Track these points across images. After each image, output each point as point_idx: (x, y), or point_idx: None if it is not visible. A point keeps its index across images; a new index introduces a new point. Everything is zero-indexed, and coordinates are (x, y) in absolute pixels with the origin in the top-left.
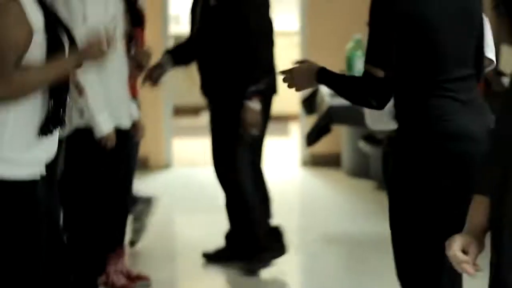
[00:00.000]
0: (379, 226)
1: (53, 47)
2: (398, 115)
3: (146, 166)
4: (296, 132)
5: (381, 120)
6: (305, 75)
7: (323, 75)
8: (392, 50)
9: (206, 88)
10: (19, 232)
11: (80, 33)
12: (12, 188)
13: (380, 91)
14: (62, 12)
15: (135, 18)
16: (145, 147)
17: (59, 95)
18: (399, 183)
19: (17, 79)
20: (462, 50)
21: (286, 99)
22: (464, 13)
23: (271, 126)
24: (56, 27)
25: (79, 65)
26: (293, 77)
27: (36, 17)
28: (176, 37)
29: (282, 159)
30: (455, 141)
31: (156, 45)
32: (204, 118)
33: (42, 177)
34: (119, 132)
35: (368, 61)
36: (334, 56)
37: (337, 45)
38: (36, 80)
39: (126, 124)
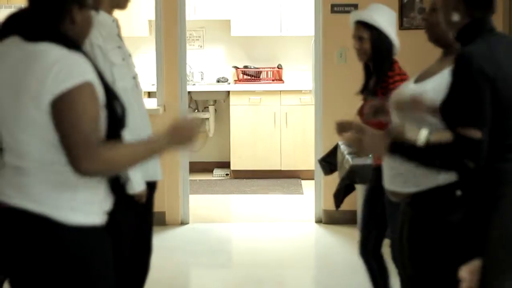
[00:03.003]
0: (395, 284)
1: (113, 123)
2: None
3: (162, 222)
4: (310, 189)
5: (399, 181)
6: (377, 142)
7: (398, 146)
8: (488, 110)
9: None
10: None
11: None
12: (89, 234)
13: (479, 152)
14: None
15: None
16: (162, 203)
17: None
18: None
19: (104, 154)
20: None
21: (299, 156)
22: None
23: (285, 182)
24: (118, 102)
25: (170, 148)
26: (364, 140)
27: (100, 94)
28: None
29: (297, 216)
30: None
31: (173, 101)
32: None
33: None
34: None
35: (462, 123)
36: (348, 116)
37: (351, 106)
38: (124, 157)
39: (157, 176)
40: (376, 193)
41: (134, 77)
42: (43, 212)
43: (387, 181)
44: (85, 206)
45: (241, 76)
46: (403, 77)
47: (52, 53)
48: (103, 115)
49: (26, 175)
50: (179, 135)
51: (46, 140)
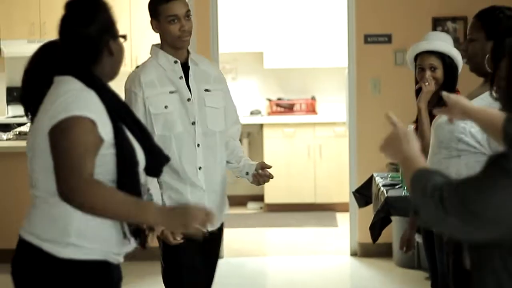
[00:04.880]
0: None
1: (123, 162)
2: None
3: None
4: (345, 222)
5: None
6: (395, 146)
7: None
8: None
9: None
10: None
11: None
12: (82, 268)
13: None
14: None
15: None
16: None
17: None
18: None
19: (88, 189)
20: None
21: (334, 189)
22: None
23: (319, 215)
24: (126, 142)
25: (159, 222)
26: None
27: (106, 132)
28: None
29: (332, 249)
30: None
31: None
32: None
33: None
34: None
35: None
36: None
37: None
38: (107, 201)
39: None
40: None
41: (194, 123)
42: (39, 245)
43: None
44: (81, 241)
45: (274, 108)
46: None
47: (66, 85)
48: (109, 152)
49: (33, 205)
50: (172, 220)
51: (48, 168)
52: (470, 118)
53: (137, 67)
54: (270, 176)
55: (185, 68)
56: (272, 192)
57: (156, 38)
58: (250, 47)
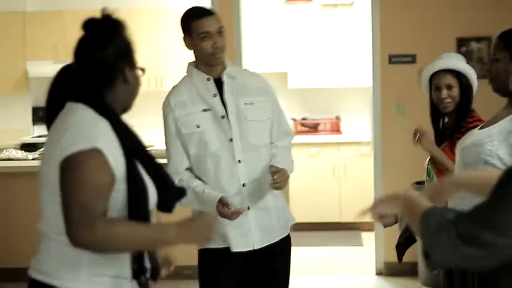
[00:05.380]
0: None
1: (134, 198)
2: None
3: None
4: (370, 241)
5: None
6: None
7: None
8: None
9: None
10: None
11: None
12: None
13: None
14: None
15: None
16: None
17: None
18: None
19: (101, 228)
20: None
21: (359, 208)
22: None
23: (344, 234)
24: (138, 178)
25: (178, 242)
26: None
27: (117, 165)
28: None
29: (357, 268)
30: None
31: None
32: None
33: None
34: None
35: None
36: (408, 168)
37: (411, 156)
38: (122, 237)
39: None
40: None
41: (231, 140)
42: (49, 283)
43: None
44: (91, 277)
45: (299, 128)
46: (484, 122)
47: (76, 113)
48: (120, 187)
49: (41, 242)
50: (192, 233)
51: (57, 204)
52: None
53: (172, 88)
54: (278, 182)
55: (221, 83)
56: (298, 211)
57: (181, 58)
58: (274, 67)
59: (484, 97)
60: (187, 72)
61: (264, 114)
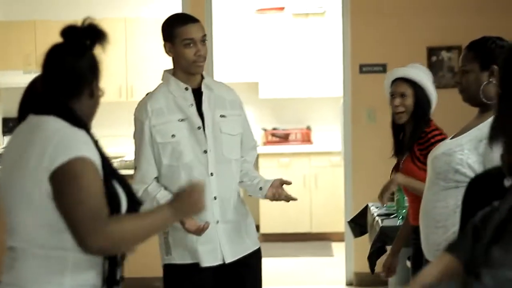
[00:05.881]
0: None
1: (110, 204)
2: None
3: None
4: (340, 251)
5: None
6: None
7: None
8: None
9: None
10: None
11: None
12: None
13: None
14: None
15: None
16: None
17: (113, 256)
18: None
19: (113, 229)
20: None
21: (329, 218)
22: None
23: (315, 245)
24: (111, 185)
25: (178, 218)
26: None
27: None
28: None
29: (327, 279)
30: None
31: None
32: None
33: None
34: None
35: None
36: (378, 177)
37: (381, 166)
38: (133, 231)
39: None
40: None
41: (206, 151)
42: None
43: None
44: (74, 283)
45: (270, 138)
46: (442, 132)
47: (52, 126)
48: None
49: (16, 259)
50: (185, 203)
51: (39, 218)
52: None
53: (147, 94)
54: (288, 196)
55: (198, 94)
56: (268, 222)
57: (151, 69)
58: (245, 77)
59: (455, 106)
60: (162, 79)
61: (236, 128)
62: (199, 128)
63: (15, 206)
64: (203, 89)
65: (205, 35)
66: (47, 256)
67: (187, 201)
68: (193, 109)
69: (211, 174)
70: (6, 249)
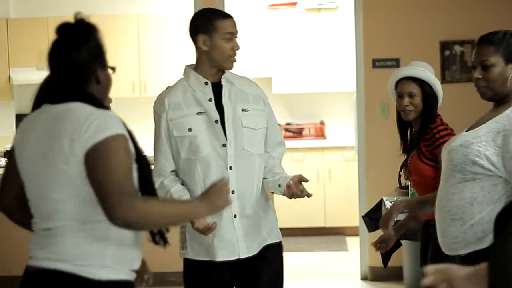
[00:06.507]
0: None
1: (143, 175)
2: None
3: None
4: (355, 246)
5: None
6: None
7: None
8: None
9: None
10: None
11: None
12: None
13: None
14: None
15: None
16: None
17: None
18: None
19: (139, 205)
20: None
21: (344, 213)
22: None
23: (329, 239)
24: (143, 157)
25: (206, 212)
26: None
27: (132, 148)
28: None
29: (342, 273)
30: None
31: None
32: None
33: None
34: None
35: None
36: (392, 172)
37: (395, 160)
38: (159, 212)
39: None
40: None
41: (225, 145)
42: (74, 271)
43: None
44: (115, 264)
45: (283, 133)
46: (448, 128)
47: (82, 110)
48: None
49: (56, 235)
50: (213, 203)
51: (79, 196)
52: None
53: (167, 88)
54: (305, 192)
55: (218, 88)
56: (282, 217)
57: (164, 65)
58: (258, 72)
59: (468, 100)
60: (184, 74)
61: (259, 123)
62: (216, 121)
63: (52, 189)
64: (223, 82)
65: (237, 33)
66: (89, 230)
67: (217, 196)
68: (212, 103)
69: (230, 168)
70: (41, 230)
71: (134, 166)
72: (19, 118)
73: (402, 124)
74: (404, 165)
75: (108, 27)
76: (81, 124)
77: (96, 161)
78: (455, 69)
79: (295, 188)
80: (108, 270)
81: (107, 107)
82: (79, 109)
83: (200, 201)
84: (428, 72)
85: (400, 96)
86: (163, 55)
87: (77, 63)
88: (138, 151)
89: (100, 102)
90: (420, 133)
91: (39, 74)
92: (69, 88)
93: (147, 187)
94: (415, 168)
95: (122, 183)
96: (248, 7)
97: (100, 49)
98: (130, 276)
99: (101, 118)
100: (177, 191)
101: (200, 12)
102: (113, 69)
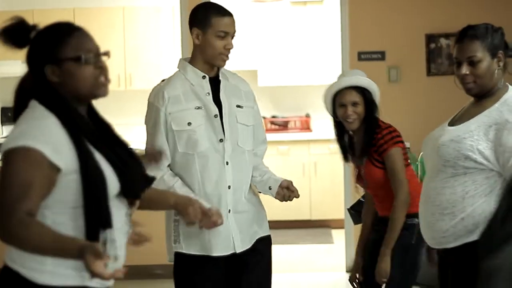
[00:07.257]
0: None
1: (88, 188)
2: None
3: None
4: (340, 238)
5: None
6: None
7: None
8: None
9: None
10: None
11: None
12: None
13: None
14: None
15: None
16: None
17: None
18: None
19: (15, 230)
20: None
21: (329, 206)
22: None
23: (315, 232)
24: (91, 167)
25: (80, 255)
26: None
27: (63, 158)
28: None
29: (327, 265)
30: None
31: None
32: None
33: None
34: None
35: None
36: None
37: None
38: (33, 237)
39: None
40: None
41: (222, 140)
42: (22, 272)
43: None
44: (55, 268)
45: (269, 126)
46: (391, 129)
47: (29, 112)
48: (71, 178)
49: None
50: (91, 261)
51: None
52: None
53: (163, 80)
54: (296, 194)
55: (215, 82)
56: (268, 209)
57: (150, 58)
58: (244, 65)
59: (453, 93)
60: (178, 67)
61: (250, 119)
62: (215, 116)
63: None
64: (221, 77)
65: (235, 32)
66: None
67: (92, 259)
68: (210, 97)
69: (227, 163)
70: None
71: (71, 178)
72: (4, 111)
73: (340, 132)
74: (358, 177)
75: (94, 20)
76: (18, 125)
77: (1, 167)
78: (440, 62)
79: (288, 192)
80: (49, 275)
81: (66, 107)
82: (30, 109)
83: (81, 248)
84: (369, 79)
85: (342, 105)
86: (149, 48)
87: (33, 60)
88: (86, 163)
89: (60, 100)
90: (368, 140)
91: (24, 67)
92: (37, 82)
93: (92, 199)
94: (370, 176)
95: (6, 198)
96: (234, 0)
97: (51, 45)
98: (81, 282)
99: (25, 126)
100: (180, 187)
101: (200, 5)
102: (107, 53)
